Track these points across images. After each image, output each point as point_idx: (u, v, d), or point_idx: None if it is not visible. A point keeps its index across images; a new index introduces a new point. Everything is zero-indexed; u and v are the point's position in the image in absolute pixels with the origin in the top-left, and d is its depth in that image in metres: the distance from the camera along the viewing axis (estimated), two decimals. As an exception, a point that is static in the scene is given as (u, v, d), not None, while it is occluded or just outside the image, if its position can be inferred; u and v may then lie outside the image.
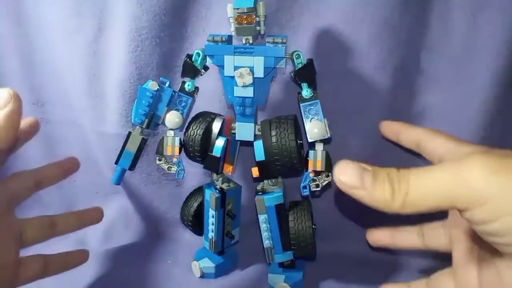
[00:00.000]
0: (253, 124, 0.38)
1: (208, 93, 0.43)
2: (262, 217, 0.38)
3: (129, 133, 0.40)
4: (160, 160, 0.39)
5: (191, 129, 0.39)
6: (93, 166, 0.52)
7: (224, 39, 0.36)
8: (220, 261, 0.44)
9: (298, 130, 0.37)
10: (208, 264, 0.43)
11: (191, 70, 0.37)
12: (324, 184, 0.35)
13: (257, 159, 0.37)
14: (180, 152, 0.39)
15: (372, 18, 0.40)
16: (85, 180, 0.54)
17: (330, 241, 0.46)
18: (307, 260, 0.42)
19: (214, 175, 0.42)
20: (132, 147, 0.39)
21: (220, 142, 0.38)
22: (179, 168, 0.39)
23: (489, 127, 0.42)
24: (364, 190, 0.22)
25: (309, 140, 0.35)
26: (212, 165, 0.39)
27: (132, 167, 0.40)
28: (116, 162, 0.40)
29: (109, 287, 0.43)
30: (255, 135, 0.38)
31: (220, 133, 0.39)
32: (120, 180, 0.41)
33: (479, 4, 0.39)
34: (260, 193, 0.39)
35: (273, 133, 0.36)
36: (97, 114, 0.49)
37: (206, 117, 0.39)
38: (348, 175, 0.23)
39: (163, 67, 0.46)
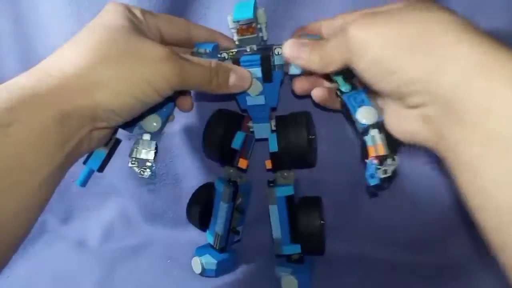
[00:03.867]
0: (268, 123, 0.39)
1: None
2: (272, 208, 0.39)
3: None
4: (133, 163, 0.37)
5: (212, 124, 0.40)
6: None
7: (208, 51, 0.34)
8: (222, 258, 0.44)
9: (310, 125, 0.39)
10: (209, 260, 0.43)
11: None
12: (392, 169, 0.31)
13: (270, 150, 0.38)
14: (155, 156, 0.37)
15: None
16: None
17: (342, 239, 0.46)
18: (316, 255, 0.42)
19: (228, 169, 0.43)
20: (104, 147, 0.37)
21: (240, 136, 0.39)
22: (152, 172, 0.37)
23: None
24: (302, 60, 0.30)
25: (362, 127, 0.32)
26: (230, 157, 0.40)
27: (101, 168, 0.37)
28: (84, 162, 0.37)
29: (109, 287, 0.43)
30: (271, 130, 0.40)
31: (239, 129, 0.40)
32: (86, 181, 0.38)
33: (479, 4, 0.39)
34: (272, 184, 0.40)
35: (286, 128, 0.38)
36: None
37: (225, 114, 0.41)
38: (290, 49, 0.30)
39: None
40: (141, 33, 0.29)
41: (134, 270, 0.45)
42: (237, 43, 0.35)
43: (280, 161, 0.39)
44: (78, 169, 0.57)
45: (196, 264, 0.44)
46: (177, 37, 0.34)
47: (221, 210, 0.42)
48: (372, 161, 0.31)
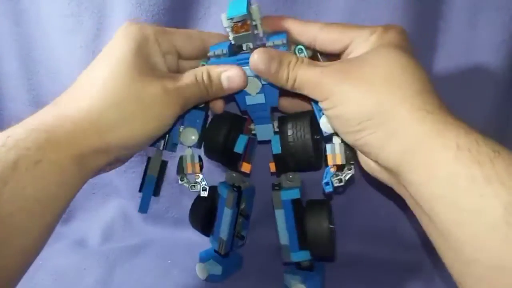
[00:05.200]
0: (271, 124, 0.38)
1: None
2: (278, 213, 0.38)
3: (149, 158, 0.39)
4: (182, 180, 0.38)
5: (213, 128, 0.38)
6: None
7: (225, 51, 0.34)
8: (227, 262, 0.43)
9: (315, 125, 0.36)
10: (214, 265, 0.42)
11: None
12: (347, 178, 0.34)
13: (274, 152, 0.37)
14: (201, 169, 0.38)
15: (372, 18, 0.40)
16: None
17: (342, 239, 0.46)
18: (326, 261, 0.41)
19: (230, 174, 0.42)
20: (153, 171, 0.38)
21: (243, 140, 0.38)
22: (203, 185, 0.38)
23: (488, 124, 0.42)
24: (269, 75, 0.31)
25: (325, 135, 0.34)
26: (233, 162, 0.39)
27: (156, 192, 0.39)
28: (140, 190, 0.39)
29: (109, 287, 0.43)
30: (274, 132, 0.38)
31: (241, 132, 0.39)
32: (146, 207, 0.39)
33: (479, 4, 0.39)
34: (277, 188, 0.38)
35: (290, 128, 0.36)
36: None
37: (227, 117, 0.39)
38: (259, 63, 0.31)
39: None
40: (145, 68, 0.31)
41: (134, 270, 0.45)
42: (232, 42, 0.34)
43: (284, 164, 0.37)
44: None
45: (201, 270, 0.43)
46: (194, 52, 0.35)
47: (225, 215, 0.41)
48: (329, 169, 0.34)
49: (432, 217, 0.25)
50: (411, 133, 0.25)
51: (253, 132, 0.39)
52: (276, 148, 0.36)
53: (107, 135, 0.28)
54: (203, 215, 0.43)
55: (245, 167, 0.39)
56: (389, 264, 0.45)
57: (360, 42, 0.30)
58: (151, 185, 0.38)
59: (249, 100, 0.36)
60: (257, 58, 0.31)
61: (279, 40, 0.33)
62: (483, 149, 0.23)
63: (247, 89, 0.35)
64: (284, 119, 0.37)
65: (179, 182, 0.38)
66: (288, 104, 0.38)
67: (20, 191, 0.24)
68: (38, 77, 0.51)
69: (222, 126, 0.38)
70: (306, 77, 0.30)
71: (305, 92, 0.30)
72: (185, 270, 0.45)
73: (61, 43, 0.48)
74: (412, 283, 0.42)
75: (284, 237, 0.38)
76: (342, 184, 0.34)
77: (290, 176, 0.39)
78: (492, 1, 0.39)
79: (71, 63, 0.48)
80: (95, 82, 0.30)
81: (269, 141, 0.38)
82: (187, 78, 0.32)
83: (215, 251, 0.43)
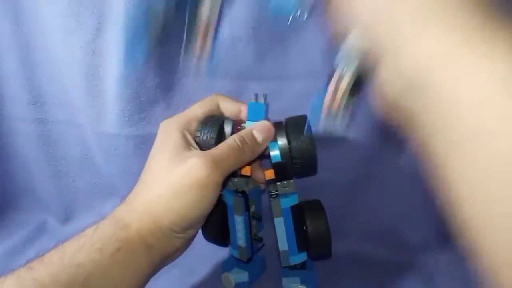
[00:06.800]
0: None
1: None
2: (278, 221, 0.37)
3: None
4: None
5: (202, 134, 0.36)
6: (91, 166, 0.52)
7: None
8: (251, 268, 0.42)
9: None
10: (240, 273, 0.42)
11: None
12: (338, 121, 0.27)
13: (273, 161, 0.36)
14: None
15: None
16: (83, 180, 0.54)
17: (342, 239, 0.45)
18: (324, 259, 0.40)
19: (232, 179, 0.41)
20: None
21: None
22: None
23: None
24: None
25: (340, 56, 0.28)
26: None
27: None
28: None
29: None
30: None
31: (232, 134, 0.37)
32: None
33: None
34: (275, 195, 0.38)
35: (291, 134, 0.35)
36: (95, 114, 0.49)
37: (215, 120, 0.38)
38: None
39: (162, 67, 0.46)
40: (185, 152, 0.33)
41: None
42: None
43: (284, 172, 0.36)
44: (78, 170, 0.57)
45: (227, 280, 0.42)
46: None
47: (237, 223, 0.39)
48: (323, 97, 0.26)
49: (459, 159, 0.19)
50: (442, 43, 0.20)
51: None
52: (276, 157, 0.36)
53: (161, 220, 0.31)
54: (216, 227, 0.41)
55: (245, 170, 0.38)
56: (389, 264, 0.45)
57: None
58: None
59: None
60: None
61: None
62: None
63: None
64: (282, 124, 0.36)
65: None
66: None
67: (105, 273, 0.28)
68: (37, 77, 0.51)
69: (211, 134, 0.36)
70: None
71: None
72: (185, 269, 0.45)
73: (61, 43, 0.48)
74: (412, 283, 0.42)
75: (283, 244, 0.37)
76: (330, 128, 0.27)
77: (285, 182, 0.38)
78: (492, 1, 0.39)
79: (71, 63, 0.48)
80: (156, 186, 0.33)
81: None
82: (223, 146, 0.34)
83: (235, 258, 0.42)
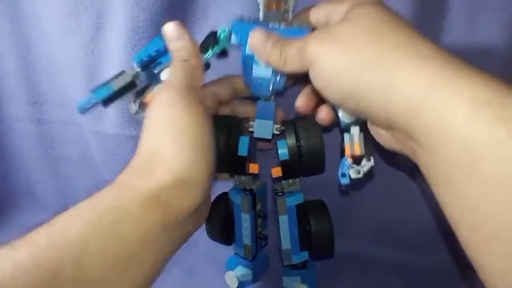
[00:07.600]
0: (272, 122, 0.37)
1: None
2: (282, 218, 0.37)
3: (122, 71, 0.36)
4: (134, 102, 0.35)
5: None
6: (90, 166, 0.52)
7: (251, 21, 0.35)
8: (255, 266, 0.42)
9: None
10: (244, 271, 0.41)
11: (211, 42, 0.35)
12: (365, 170, 0.31)
13: (281, 159, 0.36)
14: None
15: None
16: (82, 180, 0.54)
17: (342, 239, 0.44)
18: (326, 259, 0.40)
19: (239, 178, 0.40)
20: (117, 84, 0.35)
21: (245, 141, 0.37)
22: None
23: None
24: (263, 54, 0.31)
25: (342, 125, 0.32)
26: (240, 166, 0.37)
27: (105, 103, 0.35)
28: (93, 91, 0.35)
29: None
30: (273, 134, 0.37)
31: (240, 133, 0.37)
32: (86, 109, 0.35)
33: (478, 4, 0.39)
34: (281, 193, 0.38)
35: (301, 133, 0.35)
36: (94, 114, 0.49)
37: (223, 120, 0.38)
38: (254, 39, 0.32)
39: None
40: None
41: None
42: (261, 19, 0.34)
43: (292, 170, 0.36)
44: (77, 170, 0.57)
45: (231, 278, 0.41)
46: (229, 97, 0.38)
47: (244, 221, 0.39)
48: (346, 160, 0.31)
49: (450, 188, 0.21)
50: (412, 83, 0.22)
51: (250, 129, 0.38)
52: (284, 155, 0.35)
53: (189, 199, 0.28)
54: (221, 225, 0.41)
55: (253, 168, 0.38)
56: (389, 264, 0.45)
57: (340, 11, 0.29)
58: (105, 93, 0.35)
59: (256, 71, 0.35)
60: (254, 35, 0.32)
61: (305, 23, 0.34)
62: (506, 101, 0.19)
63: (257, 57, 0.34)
64: (291, 123, 0.36)
65: (130, 102, 0.36)
66: (303, 104, 0.36)
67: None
68: (37, 77, 0.51)
69: (220, 133, 0.36)
70: (292, 49, 0.29)
71: (294, 66, 0.29)
72: (185, 268, 0.45)
73: (60, 43, 0.48)
74: (412, 283, 0.42)
75: (286, 242, 0.38)
76: (360, 176, 0.31)
77: (290, 181, 0.38)
78: (492, 1, 0.39)
79: (70, 62, 0.48)
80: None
81: (265, 139, 0.37)
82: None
83: (239, 255, 0.42)
